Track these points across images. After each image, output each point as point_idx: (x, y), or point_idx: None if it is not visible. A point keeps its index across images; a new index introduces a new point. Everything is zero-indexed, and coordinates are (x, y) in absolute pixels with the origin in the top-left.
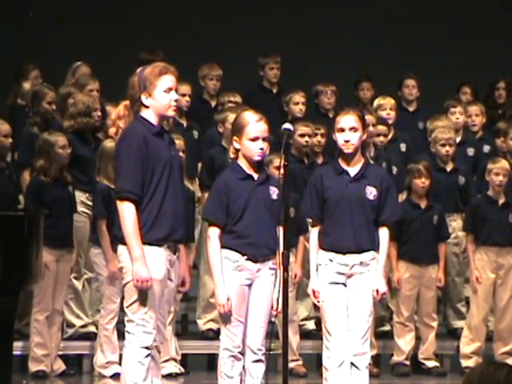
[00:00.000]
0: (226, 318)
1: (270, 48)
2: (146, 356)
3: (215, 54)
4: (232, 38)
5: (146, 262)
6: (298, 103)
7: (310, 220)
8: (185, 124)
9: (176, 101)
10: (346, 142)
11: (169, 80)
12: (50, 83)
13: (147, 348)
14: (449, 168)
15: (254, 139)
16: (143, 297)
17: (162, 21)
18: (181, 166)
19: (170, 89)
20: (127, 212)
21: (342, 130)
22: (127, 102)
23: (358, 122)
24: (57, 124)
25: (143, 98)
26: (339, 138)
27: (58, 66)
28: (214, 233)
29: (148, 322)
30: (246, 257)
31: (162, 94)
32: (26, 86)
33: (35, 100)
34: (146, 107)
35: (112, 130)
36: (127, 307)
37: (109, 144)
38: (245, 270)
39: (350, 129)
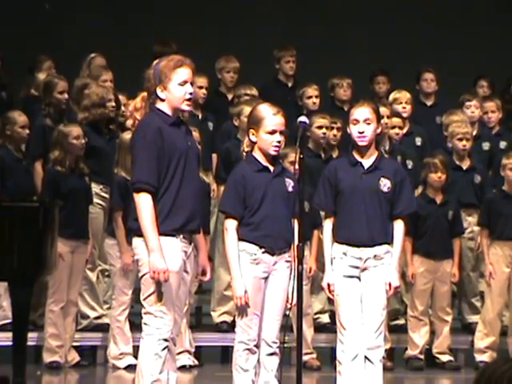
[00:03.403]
0: (242, 310)
1: (286, 41)
2: (164, 348)
3: (231, 46)
4: (248, 30)
5: (163, 254)
6: (311, 97)
7: (323, 213)
8: (200, 116)
9: (191, 94)
10: (360, 133)
11: (184, 73)
12: (64, 74)
13: (165, 340)
14: (465, 166)
15: (272, 132)
16: (160, 289)
17: (177, 13)
18: (198, 157)
19: (185, 81)
20: (144, 203)
21: (357, 122)
22: (144, 94)
23: (372, 114)
24: (73, 116)
25: (158, 91)
26: (353, 129)
27: (73, 57)
28: (231, 225)
29: (166, 314)
30: (263, 249)
31: (177, 87)
32: (41, 76)
33: (47, 91)
34: (162, 100)
35: (129, 122)
36: (144, 299)
37: (127, 136)
38: (262, 262)
39: (364, 120)
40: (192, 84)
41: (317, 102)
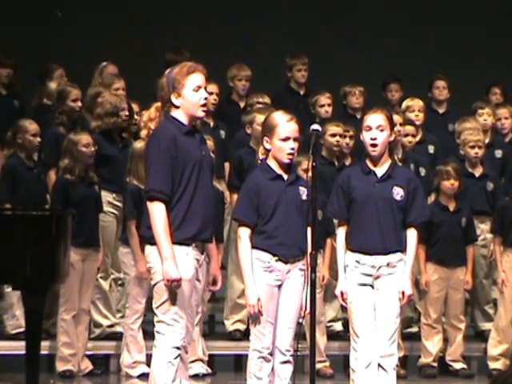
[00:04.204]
0: (256, 318)
1: (298, 49)
2: (176, 357)
3: (243, 54)
4: (260, 38)
5: (176, 262)
6: (323, 105)
7: (336, 221)
8: (212, 124)
9: (206, 99)
10: (373, 139)
11: (197, 78)
12: (76, 83)
13: (177, 348)
14: (477, 173)
15: (285, 139)
16: (173, 297)
17: (189, 21)
18: (212, 166)
19: (199, 87)
20: (157, 212)
21: (369, 128)
22: (158, 104)
23: (385, 121)
24: (86, 124)
25: (173, 99)
26: (366, 136)
27: (85, 65)
28: (244, 233)
29: (178, 322)
30: (276, 257)
31: (191, 93)
32: (52, 85)
33: (60, 99)
34: (177, 107)
35: (143, 133)
36: (157, 307)
37: (139, 145)
38: (275, 270)
39: (377, 127)
40: (206, 89)
41: (329, 110)
